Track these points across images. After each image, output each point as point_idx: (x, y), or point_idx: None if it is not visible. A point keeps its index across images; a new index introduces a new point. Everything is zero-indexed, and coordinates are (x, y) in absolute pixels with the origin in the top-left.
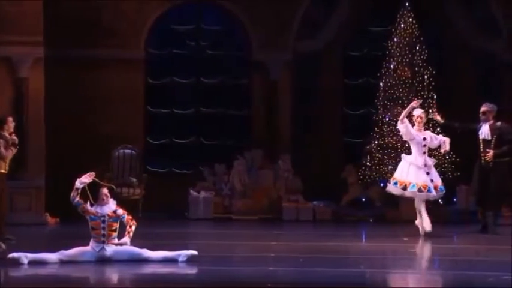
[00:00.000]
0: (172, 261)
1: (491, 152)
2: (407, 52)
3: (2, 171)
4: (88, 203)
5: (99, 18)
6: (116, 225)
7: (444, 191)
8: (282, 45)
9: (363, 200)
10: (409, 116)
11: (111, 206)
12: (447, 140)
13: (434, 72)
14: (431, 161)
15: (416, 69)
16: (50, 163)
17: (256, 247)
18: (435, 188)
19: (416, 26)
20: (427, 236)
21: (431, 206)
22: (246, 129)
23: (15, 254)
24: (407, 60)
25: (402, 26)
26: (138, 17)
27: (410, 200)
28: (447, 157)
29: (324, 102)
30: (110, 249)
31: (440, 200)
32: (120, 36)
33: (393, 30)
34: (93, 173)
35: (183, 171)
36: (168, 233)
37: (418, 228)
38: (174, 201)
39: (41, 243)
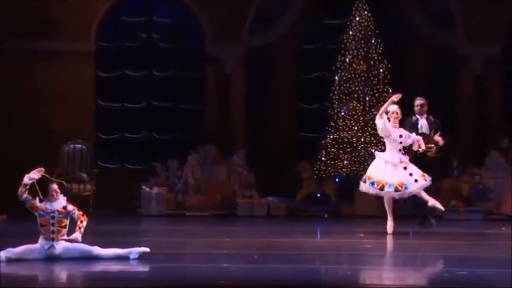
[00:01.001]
0: (124, 258)
1: (434, 147)
2: (363, 45)
3: None
4: (37, 199)
5: (48, 9)
6: (66, 222)
7: (430, 178)
8: (235, 38)
9: (318, 195)
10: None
11: (61, 202)
12: (420, 138)
13: (389, 65)
14: (405, 158)
15: (372, 62)
16: None
17: (210, 244)
18: (423, 176)
19: (372, 19)
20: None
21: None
22: (200, 124)
23: None
24: (363, 53)
25: (357, 19)
26: (87, 8)
27: (365, 196)
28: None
29: (279, 97)
30: (59, 247)
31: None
32: (69, 28)
33: (348, 23)
34: (42, 169)
35: (135, 166)
36: (119, 229)
37: (387, 224)
38: (126, 197)
39: None
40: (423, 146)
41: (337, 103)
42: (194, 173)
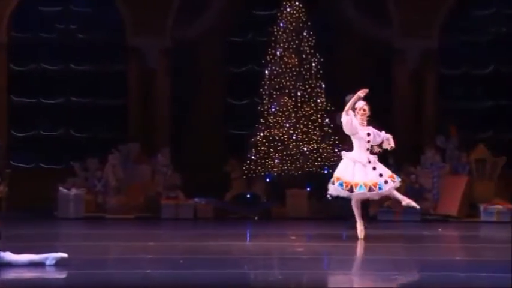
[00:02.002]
0: (39, 265)
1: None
2: (294, 38)
3: None
4: None
5: None
6: None
7: (400, 179)
8: (159, 30)
9: (248, 196)
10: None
11: None
12: (390, 136)
13: (322, 59)
14: (373, 157)
15: (304, 56)
16: None
17: (132, 248)
18: (391, 177)
19: (303, 10)
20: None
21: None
22: (121, 121)
23: None
24: (294, 46)
25: (288, 10)
26: None
27: (297, 197)
28: (336, 150)
29: (206, 92)
30: None
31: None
32: None
33: (279, 14)
34: None
35: (51, 166)
36: (34, 234)
37: (358, 229)
38: (41, 199)
39: None
40: (392, 144)
41: (267, 99)
42: (115, 173)
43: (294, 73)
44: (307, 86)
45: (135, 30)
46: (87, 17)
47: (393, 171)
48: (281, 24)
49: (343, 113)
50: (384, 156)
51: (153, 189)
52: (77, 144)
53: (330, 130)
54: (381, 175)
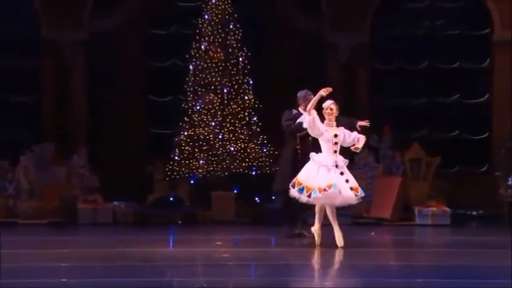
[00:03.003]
0: None
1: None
2: (220, 31)
3: None
4: None
5: None
6: None
7: (363, 195)
8: (75, 23)
9: (171, 199)
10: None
11: None
12: (362, 137)
13: (250, 54)
14: (343, 161)
15: (230, 50)
16: None
17: (46, 256)
18: (355, 190)
19: (229, 1)
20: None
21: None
22: (35, 119)
23: None
24: (220, 40)
25: (214, 1)
26: None
27: (224, 199)
28: (264, 150)
29: (126, 88)
30: None
31: (257, 198)
32: None
33: (203, 6)
34: None
35: None
36: None
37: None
38: None
39: None
40: (359, 145)
41: (191, 96)
42: (28, 175)
43: (220, 68)
44: (234, 82)
45: (49, 22)
46: None
47: None
48: (206, 16)
49: (306, 113)
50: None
51: (69, 192)
52: None
53: (258, 129)
54: (347, 181)
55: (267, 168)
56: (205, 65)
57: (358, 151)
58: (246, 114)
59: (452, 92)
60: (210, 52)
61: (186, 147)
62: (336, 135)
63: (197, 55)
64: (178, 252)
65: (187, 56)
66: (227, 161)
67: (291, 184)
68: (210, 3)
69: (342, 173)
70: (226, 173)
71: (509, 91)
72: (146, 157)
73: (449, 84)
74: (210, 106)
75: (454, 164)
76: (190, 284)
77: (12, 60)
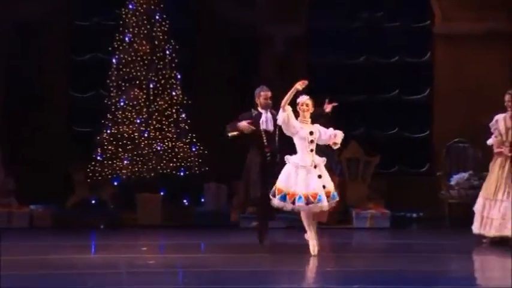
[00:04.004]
0: None
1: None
2: (145, 22)
3: None
4: None
5: None
6: None
7: (337, 199)
8: None
9: (93, 202)
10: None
11: None
12: (339, 132)
13: (177, 46)
14: (320, 160)
15: (156, 43)
16: None
17: None
18: (327, 195)
19: None
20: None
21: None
22: None
23: None
24: (145, 32)
25: None
26: None
27: (150, 202)
28: (193, 149)
29: (45, 83)
30: None
31: (185, 201)
32: None
33: None
34: None
35: None
36: None
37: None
38: None
39: None
40: (337, 141)
41: (115, 91)
42: None
43: (146, 62)
44: (160, 77)
45: None
46: None
47: None
48: (130, 6)
49: (280, 110)
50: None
51: None
52: None
53: (186, 126)
54: (324, 187)
55: (196, 168)
56: (129, 59)
57: (336, 147)
58: (174, 111)
59: (392, 87)
60: (135, 44)
61: (109, 147)
62: (311, 133)
63: (121, 48)
64: (100, 259)
65: (110, 48)
66: (153, 161)
67: (271, 194)
68: None
69: (320, 176)
70: (152, 174)
71: (451, 86)
72: (66, 157)
73: (389, 79)
74: (135, 102)
75: (393, 164)
76: None
77: None
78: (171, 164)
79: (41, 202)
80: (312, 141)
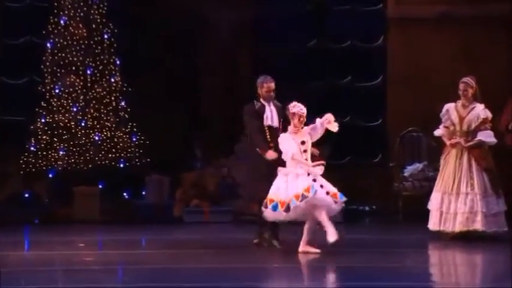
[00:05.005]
0: None
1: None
2: (82, 4)
3: None
4: None
5: None
6: None
7: (345, 199)
8: None
9: (26, 195)
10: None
11: None
12: (328, 115)
13: (116, 30)
14: (317, 170)
15: (94, 26)
16: None
17: None
18: (333, 195)
19: None
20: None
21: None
22: None
23: None
24: (82, 14)
25: None
26: None
27: (87, 196)
28: (134, 139)
29: None
30: None
31: (125, 194)
32: None
33: None
34: None
35: None
36: None
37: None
38: None
39: None
40: (333, 122)
41: (50, 77)
42: None
43: (83, 47)
44: (98, 63)
45: None
46: None
47: (201, 165)
48: None
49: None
50: (189, 146)
51: None
52: None
53: (126, 115)
54: (322, 186)
55: (137, 159)
56: (65, 43)
57: (336, 127)
58: (113, 98)
59: (343, 73)
60: (71, 28)
61: (44, 137)
62: (303, 142)
63: (56, 31)
64: (34, 256)
65: (44, 32)
66: (91, 152)
67: (263, 206)
68: None
69: (314, 180)
70: (89, 166)
71: (405, 73)
72: None
73: (340, 65)
74: (71, 89)
75: (345, 154)
76: None
77: None
78: (110, 155)
79: None
80: (305, 151)
